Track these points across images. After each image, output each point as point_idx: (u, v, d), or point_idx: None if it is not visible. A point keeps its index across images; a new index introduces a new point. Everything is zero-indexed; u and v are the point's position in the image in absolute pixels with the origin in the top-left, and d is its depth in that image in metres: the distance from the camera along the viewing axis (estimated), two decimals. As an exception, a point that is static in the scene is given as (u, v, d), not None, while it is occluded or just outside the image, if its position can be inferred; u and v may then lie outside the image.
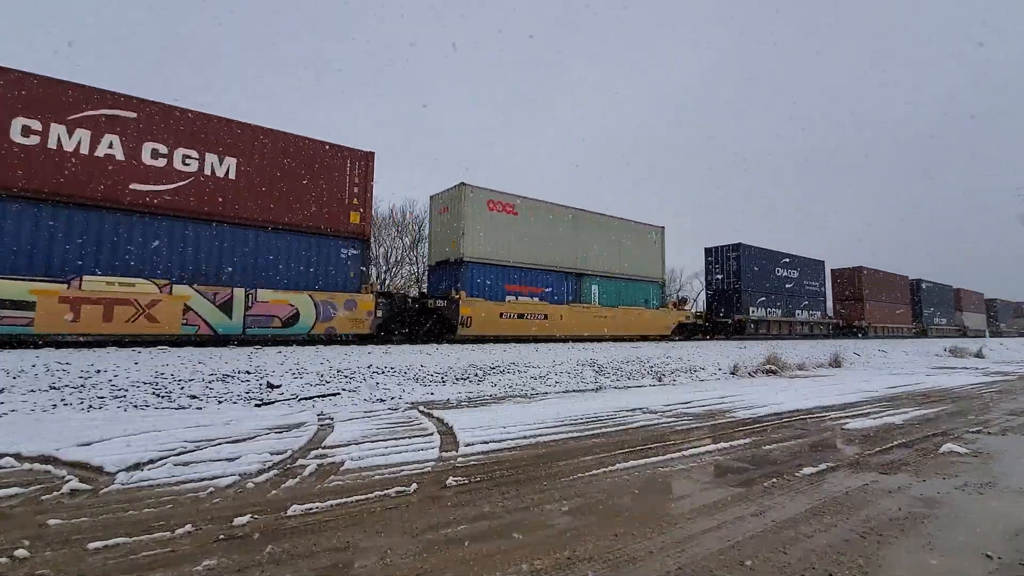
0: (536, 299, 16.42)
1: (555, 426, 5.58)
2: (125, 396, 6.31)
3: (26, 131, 8.61)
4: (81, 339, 9.88)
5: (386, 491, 3.29)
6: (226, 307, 10.13)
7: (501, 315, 15.26)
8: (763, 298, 24.58)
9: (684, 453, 4.43)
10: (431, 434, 5.04)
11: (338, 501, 3.09)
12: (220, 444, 4.45)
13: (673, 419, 6.21)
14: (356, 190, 12.00)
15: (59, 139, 8.84)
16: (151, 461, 3.87)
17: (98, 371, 6.79)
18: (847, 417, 6.43)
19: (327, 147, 11.73)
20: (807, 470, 3.90)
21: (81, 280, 8.75)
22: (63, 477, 3.45)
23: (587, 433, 5.26)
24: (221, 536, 2.56)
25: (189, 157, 10.04)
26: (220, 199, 10.30)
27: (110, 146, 9.26)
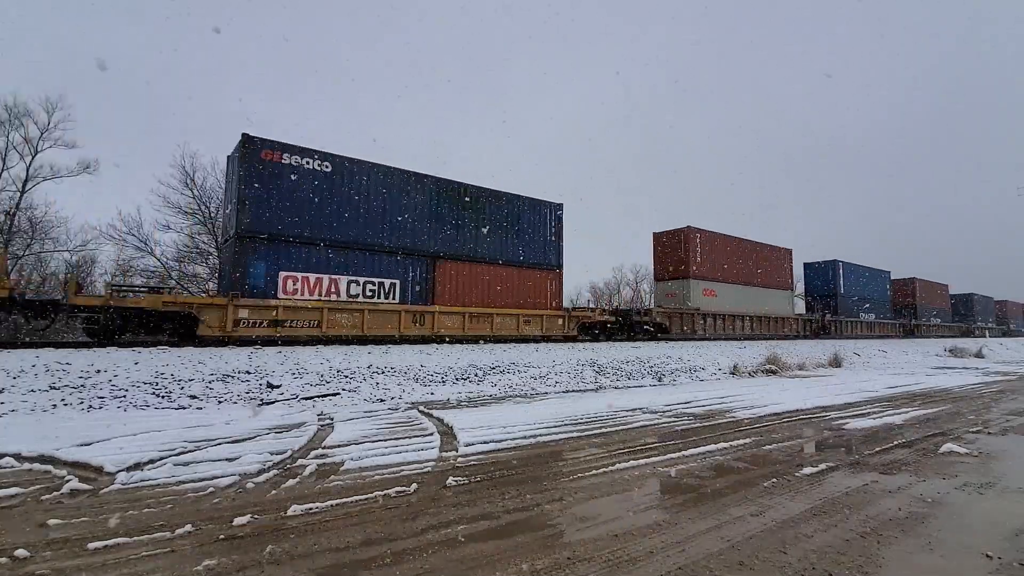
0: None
1: (555, 426, 5.58)
2: (125, 396, 6.31)
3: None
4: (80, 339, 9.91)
5: (386, 491, 3.29)
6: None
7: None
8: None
9: (684, 453, 4.43)
10: (431, 434, 5.04)
11: (338, 501, 3.08)
12: (220, 444, 4.45)
13: (673, 419, 6.21)
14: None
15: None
16: (151, 461, 3.87)
17: (98, 371, 6.80)
18: (847, 417, 6.43)
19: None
20: (807, 470, 3.90)
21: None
22: (63, 477, 3.45)
23: (587, 433, 5.26)
24: (221, 536, 2.56)
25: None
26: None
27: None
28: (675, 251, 21.39)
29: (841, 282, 28.80)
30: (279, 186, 11.18)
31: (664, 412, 6.69)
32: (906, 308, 36.33)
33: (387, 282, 12.66)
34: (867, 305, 30.76)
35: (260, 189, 10.96)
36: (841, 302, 28.53)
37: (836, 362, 15.92)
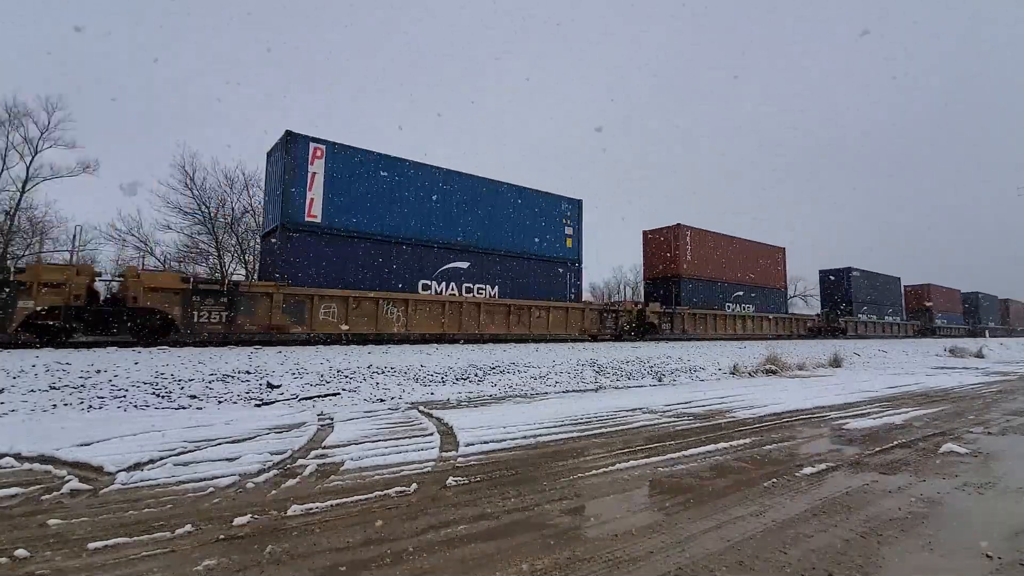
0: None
1: (555, 426, 5.58)
2: (125, 396, 6.31)
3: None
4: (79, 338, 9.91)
5: (386, 491, 3.28)
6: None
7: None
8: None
9: (684, 453, 4.43)
10: (431, 434, 5.04)
11: (338, 501, 3.08)
12: (220, 444, 4.45)
13: (673, 419, 6.21)
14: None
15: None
16: (151, 461, 3.87)
17: (98, 371, 6.80)
18: (847, 417, 6.43)
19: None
20: (807, 470, 3.90)
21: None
22: (63, 477, 3.45)
23: (587, 433, 5.26)
24: (221, 536, 2.56)
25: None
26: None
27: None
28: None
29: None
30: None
31: (664, 412, 6.69)
32: (668, 282, 21.46)
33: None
34: (533, 285, 16.67)
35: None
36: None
37: (836, 362, 16.00)
